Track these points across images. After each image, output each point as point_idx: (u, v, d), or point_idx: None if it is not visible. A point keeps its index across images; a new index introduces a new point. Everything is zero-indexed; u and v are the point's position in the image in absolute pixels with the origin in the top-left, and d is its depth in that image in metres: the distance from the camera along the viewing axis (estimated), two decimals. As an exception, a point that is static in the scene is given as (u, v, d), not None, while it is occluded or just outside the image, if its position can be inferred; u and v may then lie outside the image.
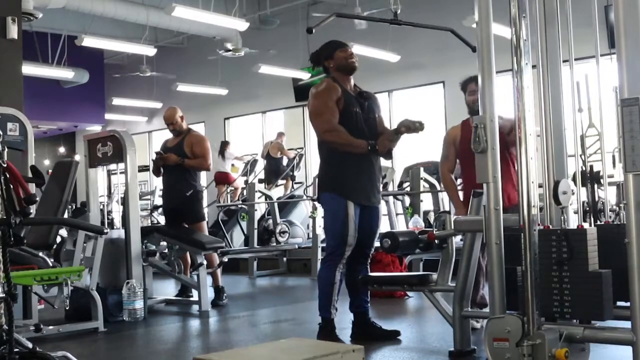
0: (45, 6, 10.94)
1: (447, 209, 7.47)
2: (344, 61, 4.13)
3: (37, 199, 3.22)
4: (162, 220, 7.61)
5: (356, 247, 4.07)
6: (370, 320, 4.22)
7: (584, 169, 3.20)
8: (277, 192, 11.79)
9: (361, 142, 4.02)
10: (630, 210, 2.60)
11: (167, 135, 6.50)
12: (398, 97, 13.11)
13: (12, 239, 2.77)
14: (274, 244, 8.80)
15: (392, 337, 4.13)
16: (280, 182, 12.19)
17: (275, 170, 12.36)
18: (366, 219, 4.11)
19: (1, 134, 2.98)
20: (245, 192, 10.79)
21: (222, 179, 12.38)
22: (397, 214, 8.42)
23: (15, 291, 2.81)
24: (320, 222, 8.57)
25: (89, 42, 11.42)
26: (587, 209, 3.32)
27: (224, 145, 12.81)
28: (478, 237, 3.59)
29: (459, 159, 4.56)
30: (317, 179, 4.32)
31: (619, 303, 2.86)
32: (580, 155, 3.17)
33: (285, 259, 8.96)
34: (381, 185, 4.41)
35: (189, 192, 6.13)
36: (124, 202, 5.85)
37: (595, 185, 3.29)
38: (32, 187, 3.54)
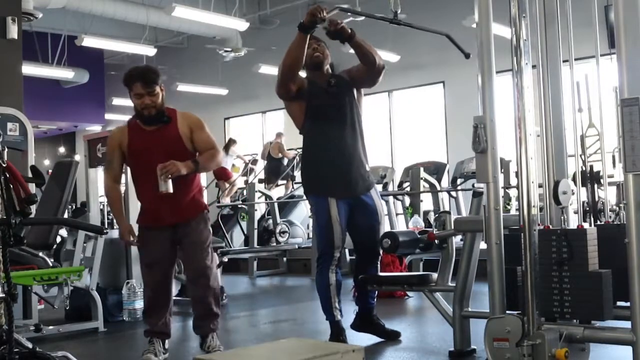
0: (45, 6, 10.95)
1: (447, 209, 7.47)
2: (308, 59, 4.09)
3: (37, 199, 3.22)
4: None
5: (361, 247, 4.05)
6: (375, 317, 4.15)
7: (584, 169, 3.20)
8: (277, 192, 11.79)
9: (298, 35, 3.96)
10: (630, 210, 2.60)
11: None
12: (398, 97, 13.12)
13: (12, 239, 2.77)
14: (274, 244, 8.80)
15: (392, 338, 4.12)
16: (280, 182, 12.19)
17: (276, 170, 12.37)
18: (359, 215, 3.98)
19: (1, 134, 2.98)
20: (244, 191, 10.79)
21: (220, 174, 12.39)
22: (397, 214, 8.42)
23: (15, 291, 2.81)
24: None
25: (89, 42, 11.44)
26: (587, 209, 3.32)
27: (230, 142, 12.85)
28: (478, 237, 3.59)
29: (128, 165, 3.94)
30: None
31: (619, 303, 2.86)
32: (580, 155, 3.17)
33: (285, 259, 8.95)
34: (369, 174, 4.07)
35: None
36: (124, 202, 5.83)
37: (595, 185, 3.29)
38: (32, 187, 3.54)
